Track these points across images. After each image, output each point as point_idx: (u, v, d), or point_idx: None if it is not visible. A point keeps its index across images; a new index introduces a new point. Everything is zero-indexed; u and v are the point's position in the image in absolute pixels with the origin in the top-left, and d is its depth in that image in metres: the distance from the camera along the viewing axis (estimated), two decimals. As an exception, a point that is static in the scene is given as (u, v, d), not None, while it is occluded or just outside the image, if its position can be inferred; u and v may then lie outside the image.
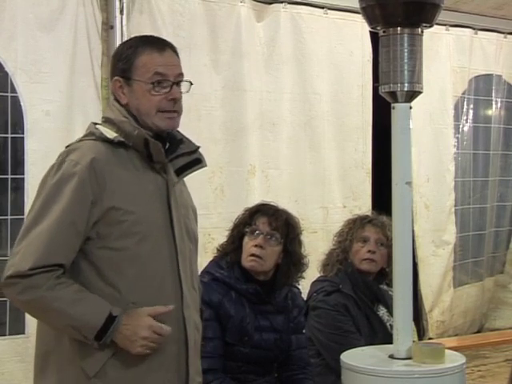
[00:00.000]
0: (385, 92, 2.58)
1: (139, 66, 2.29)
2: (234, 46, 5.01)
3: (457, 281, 6.41)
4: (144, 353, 2.18)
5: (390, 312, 3.16)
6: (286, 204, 3.67)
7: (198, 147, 2.42)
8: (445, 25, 6.05)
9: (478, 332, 6.70)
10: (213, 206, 4.90)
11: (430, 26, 2.59)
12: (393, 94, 2.56)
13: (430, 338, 6.06)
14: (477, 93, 6.49)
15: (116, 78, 2.32)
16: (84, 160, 2.18)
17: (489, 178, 6.58)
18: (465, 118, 6.44)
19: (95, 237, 2.18)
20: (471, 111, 6.47)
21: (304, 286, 3.39)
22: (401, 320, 2.57)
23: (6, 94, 4.26)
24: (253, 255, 3.07)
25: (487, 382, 5.43)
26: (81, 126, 4.14)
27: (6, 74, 4.23)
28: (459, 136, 6.38)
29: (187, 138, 2.41)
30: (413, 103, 2.59)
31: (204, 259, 3.26)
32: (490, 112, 6.65)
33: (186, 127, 2.47)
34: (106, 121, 2.32)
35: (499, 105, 6.64)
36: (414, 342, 2.59)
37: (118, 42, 4.45)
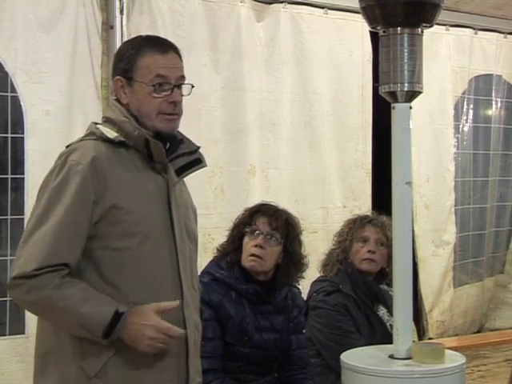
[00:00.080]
0: (385, 92, 2.58)
1: (141, 67, 2.29)
2: (233, 46, 5.01)
3: (457, 281, 6.41)
4: (151, 352, 2.18)
5: (390, 312, 3.16)
6: (286, 204, 3.67)
7: (199, 147, 2.42)
8: (445, 25, 6.05)
9: (478, 332, 6.71)
10: (213, 205, 4.90)
11: (430, 26, 2.59)
12: (393, 94, 2.56)
13: (430, 338, 6.06)
14: (477, 93, 6.49)
15: (118, 77, 2.32)
16: (85, 159, 2.18)
17: (489, 178, 6.59)
18: (465, 118, 6.44)
19: (97, 236, 2.18)
20: (471, 111, 6.47)
21: (304, 286, 3.40)
22: (401, 320, 2.57)
23: (5, 94, 4.26)
24: (253, 255, 3.07)
25: (487, 382, 5.43)
26: (81, 126, 4.14)
27: (6, 74, 4.23)
28: (459, 136, 6.38)
29: (187, 139, 2.41)
30: (413, 103, 2.59)
31: (204, 259, 3.26)
32: (490, 112, 6.65)
33: (186, 127, 2.47)
34: (107, 121, 2.33)
35: (499, 105, 6.64)
36: (414, 341, 2.59)
37: (118, 42, 4.46)
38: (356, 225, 3.55)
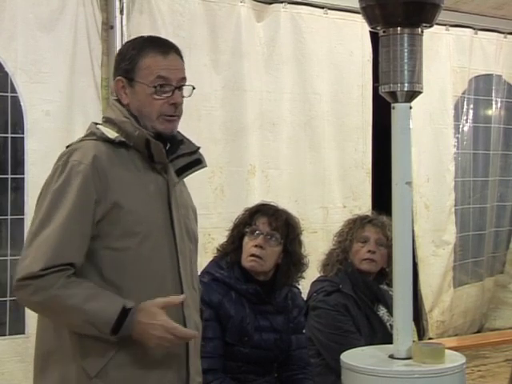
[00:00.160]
0: (385, 92, 2.58)
1: (142, 68, 2.29)
2: (234, 46, 5.01)
3: (457, 281, 6.41)
4: (159, 349, 2.19)
5: (390, 312, 3.16)
6: (286, 204, 3.67)
7: (199, 148, 2.43)
8: (445, 25, 6.05)
9: (478, 332, 6.71)
10: (213, 205, 4.91)
11: (430, 26, 2.59)
12: (393, 94, 2.56)
13: (430, 338, 6.06)
14: (477, 93, 6.49)
15: (119, 77, 2.32)
16: (87, 159, 2.18)
17: (489, 177, 6.59)
18: (465, 117, 6.44)
19: (99, 236, 2.18)
20: (471, 111, 6.47)
21: (304, 286, 3.40)
22: (401, 320, 2.57)
23: (6, 94, 4.26)
24: (253, 255, 3.07)
25: (487, 381, 5.43)
26: (81, 126, 4.14)
27: (6, 74, 4.23)
28: (459, 136, 6.38)
29: (187, 139, 2.41)
30: (413, 103, 2.59)
31: (204, 259, 3.26)
32: (490, 112, 6.65)
33: (186, 127, 2.47)
34: (107, 121, 2.33)
35: (499, 105, 6.64)
36: (414, 341, 2.59)
37: (118, 42, 4.46)
38: (356, 225, 3.55)
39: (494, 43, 6.47)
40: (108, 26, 4.53)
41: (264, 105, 5.17)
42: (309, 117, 5.37)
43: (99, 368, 2.16)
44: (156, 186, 2.28)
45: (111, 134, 2.26)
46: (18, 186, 4.28)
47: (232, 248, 3.14)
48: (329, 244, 3.68)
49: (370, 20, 2.60)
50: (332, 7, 5.44)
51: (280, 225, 3.11)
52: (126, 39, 4.43)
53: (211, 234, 4.67)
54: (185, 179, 2.43)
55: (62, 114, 4.35)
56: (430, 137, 6.12)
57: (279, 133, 5.25)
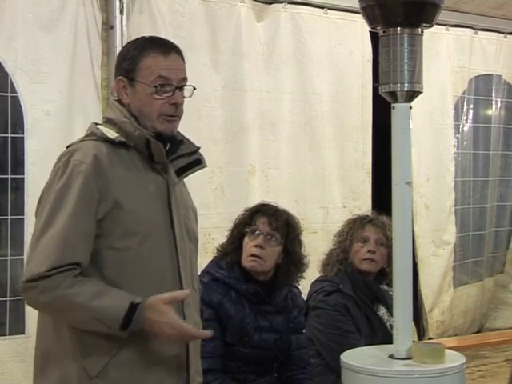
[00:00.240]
0: (385, 92, 2.58)
1: (143, 68, 2.29)
2: (234, 46, 5.01)
3: (457, 281, 6.41)
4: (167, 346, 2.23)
5: (390, 312, 3.16)
6: (286, 204, 3.68)
7: (199, 148, 2.43)
8: (445, 25, 6.05)
9: (478, 332, 6.71)
10: (213, 205, 4.91)
11: (430, 26, 2.59)
12: (393, 94, 2.56)
13: (430, 338, 6.06)
14: (477, 93, 6.49)
15: (120, 77, 2.33)
16: (88, 159, 2.18)
17: (489, 177, 6.59)
18: (465, 117, 6.44)
19: (102, 234, 2.18)
20: (471, 111, 6.47)
21: (304, 286, 3.40)
22: (401, 320, 2.57)
23: (6, 94, 4.26)
24: (253, 255, 3.07)
25: (487, 381, 5.43)
26: (81, 126, 4.14)
27: (6, 74, 4.23)
28: (459, 136, 6.38)
29: (187, 139, 2.41)
30: (413, 103, 2.59)
31: (204, 259, 3.26)
32: (490, 112, 6.65)
33: (186, 127, 2.47)
34: (107, 121, 2.33)
35: (499, 105, 6.64)
36: (414, 341, 2.59)
37: (118, 42, 4.46)
38: (356, 225, 3.55)
39: (494, 43, 6.47)
40: (108, 26, 4.53)
41: (264, 105, 5.17)
42: (309, 117, 5.37)
43: (100, 368, 2.16)
44: (156, 186, 2.29)
45: (111, 134, 2.26)
46: (18, 186, 4.28)
47: (232, 248, 3.14)
48: (329, 244, 3.68)
49: (370, 20, 2.60)
50: (332, 7, 5.44)
51: (280, 225, 3.11)
52: (126, 39, 4.43)
53: (211, 234, 4.67)
54: (185, 179, 2.43)
55: (62, 114, 4.35)
56: (430, 137, 6.12)
57: (279, 133, 5.25)
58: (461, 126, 6.40)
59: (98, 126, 2.31)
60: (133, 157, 2.27)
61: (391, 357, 2.56)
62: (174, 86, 2.29)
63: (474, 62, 6.37)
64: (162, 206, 2.28)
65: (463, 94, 6.37)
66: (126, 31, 4.50)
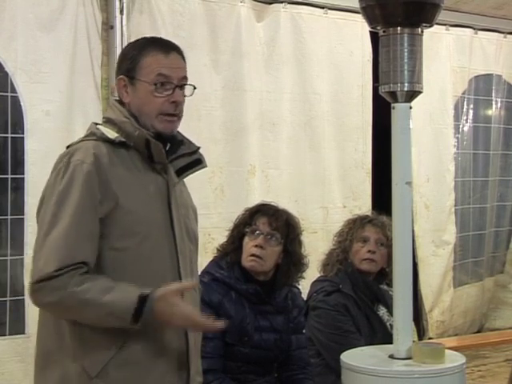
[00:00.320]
0: (385, 92, 2.58)
1: (144, 67, 2.29)
2: (234, 46, 5.01)
3: (457, 281, 6.41)
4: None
5: (390, 312, 3.16)
6: (286, 204, 3.67)
7: (199, 148, 2.43)
8: (445, 25, 6.05)
9: (478, 332, 6.71)
10: (213, 205, 4.90)
11: (430, 26, 2.59)
12: (393, 94, 2.56)
13: (430, 338, 6.06)
14: (477, 93, 6.49)
15: (121, 76, 2.33)
16: (88, 158, 2.19)
17: (489, 177, 6.58)
18: (465, 117, 6.44)
19: (105, 233, 2.19)
20: (471, 111, 6.47)
21: (304, 286, 3.40)
22: (401, 320, 2.57)
23: (6, 94, 4.26)
24: (253, 255, 3.07)
25: (487, 382, 5.43)
26: (81, 126, 4.14)
27: (6, 74, 4.23)
28: (459, 136, 6.38)
29: (188, 139, 2.41)
30: (413, 103, 2.59)
31: (204, 259, 3.26)
32: (490, 112, 6.65)
33: (186, 127, 2.47)
34: (107, 121, 2.33)
35: (499, 105, 6.64)
36: (414, 341, 2.59)
37: (118, 42, 4.46)
38: (356, 225, 3.55)
39: (494, 43, 6.47)
40: (108, 26, 4.53)
41: (264, 105, 5.17)
42: (309, 117, 5.37)
43: (100, 368, 2.16)
44: (156, 186, 2.29)
45: (111, 134, 2.27)
46: (18, 186, 4.28)
47: (232, 248, 3.14)
48: (329, 244, 3.68)
49: (370, 20, 2.60)
50: (332, 7, 5.44)
51: (280, 225, 3.11)
52: (125, 39, 4.44)
53: (211, 234, 4.67)
54: (185, 179, 2.43)
55: (62, 114, 4.35)
56: (430, 137, 6.12)
57: (279, 133, 5.25)
58: (461, 126, 6.40)
59: (97, 126, 2.31)
60: (133, 157, 2.27)
61: (391, 357, 2.56)
62: (174, 85, 2.29)
63: (474, 61, 6.36)
64: (161, 206, 2.28)
65: (463, 93, 6.37)
66: (126, 31, 4.50)
